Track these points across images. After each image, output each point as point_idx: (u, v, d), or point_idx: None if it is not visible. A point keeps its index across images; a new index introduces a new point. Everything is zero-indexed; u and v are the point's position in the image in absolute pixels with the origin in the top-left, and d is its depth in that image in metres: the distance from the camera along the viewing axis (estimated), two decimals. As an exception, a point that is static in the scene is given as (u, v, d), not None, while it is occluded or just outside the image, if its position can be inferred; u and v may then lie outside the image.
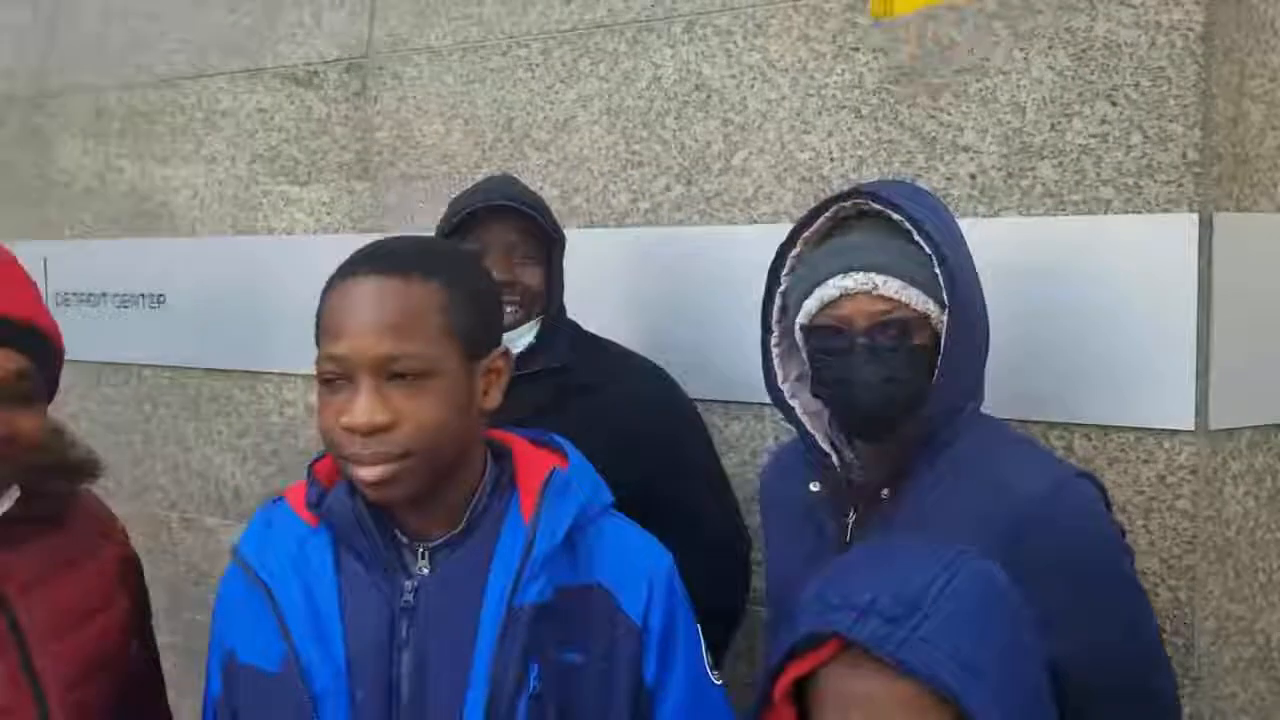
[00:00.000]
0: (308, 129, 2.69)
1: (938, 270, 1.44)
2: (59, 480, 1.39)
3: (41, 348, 1.28)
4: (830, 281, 1.46)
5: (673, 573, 1.29)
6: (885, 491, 1.49)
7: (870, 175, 1.99)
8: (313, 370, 2.73)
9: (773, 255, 1.60)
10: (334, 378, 1.15)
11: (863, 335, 1.44)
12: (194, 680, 3.05)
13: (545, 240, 1.88)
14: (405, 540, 1.22)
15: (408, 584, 1.19)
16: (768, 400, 2.09)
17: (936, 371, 1.45)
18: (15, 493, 1.32)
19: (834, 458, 1.54)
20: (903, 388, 1.44)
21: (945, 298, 1.44)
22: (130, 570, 1.51)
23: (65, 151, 3.15)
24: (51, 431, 1.38)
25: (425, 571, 1.20)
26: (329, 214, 2.67)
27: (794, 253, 1.57)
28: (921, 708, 0.87)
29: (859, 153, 2.02)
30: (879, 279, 1.44)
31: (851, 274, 1.45)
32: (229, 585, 1.30)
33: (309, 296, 2.69)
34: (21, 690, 1.27)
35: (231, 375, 2.87)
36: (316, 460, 1.28)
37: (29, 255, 3.21)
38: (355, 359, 1.12)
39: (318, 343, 1.19)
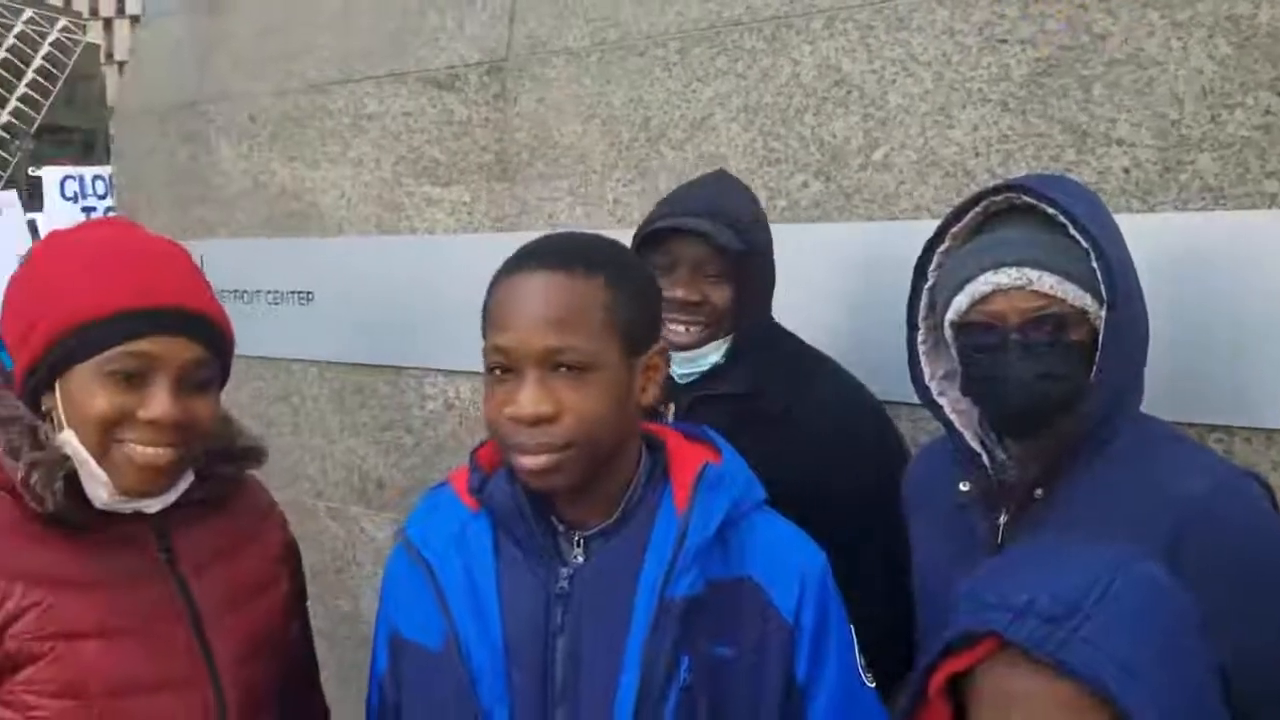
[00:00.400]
0: (449, 131, 2.76)
1: (1095, 264, 1.41)
2: (227, 465, 1.46)
3: (214, 337, 1.35)
4: (982, 277, 1.44)
5: (826, 571, 1.29)
6: (1039, 491, 1.46)
7: (1017, 170, 1.95)
8: (453, 365, 2.84)
9: (917, 252, 1.58)
10: (500, 368, 1.19)
11: (1016, 331, 1.42)
12: (336, 664, 3.17)
13: (738, 254, 1.75)
14: (561, 528, 1.25)
15: (563, 571, 1.22)
16: (908, 399, 2.08)
17: (1095, 368, 1.41)
18: (190, 477, 1.39)
19: (984, 457, 1.51)
20: (1057, 385, 1.41)
21: (1104, 292, 1.40)
22: (290, 554, 1.58)
23: (221, 155, 3.30)
24: (221, 419, 1.45)
25: (580, 560, 1.23)
26: (469, 214, 2.74)
27: (942, 248, 1.55)
28: (1080, 708, 0.86)
29: (1005, 147, 1.97)
30: (1033, 274, 1.41)
31: (1005, 269, 1.42)
32: (395, 564, 1.36)
33: (450, 294, 2.81)
34: (198, 664, 1.33)
35: (375, 370, 2.96)
36: (479, 447, 1.33)
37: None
38: (521, 351, 1.16)
39: (484, 334, 1.23)
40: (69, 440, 1.28)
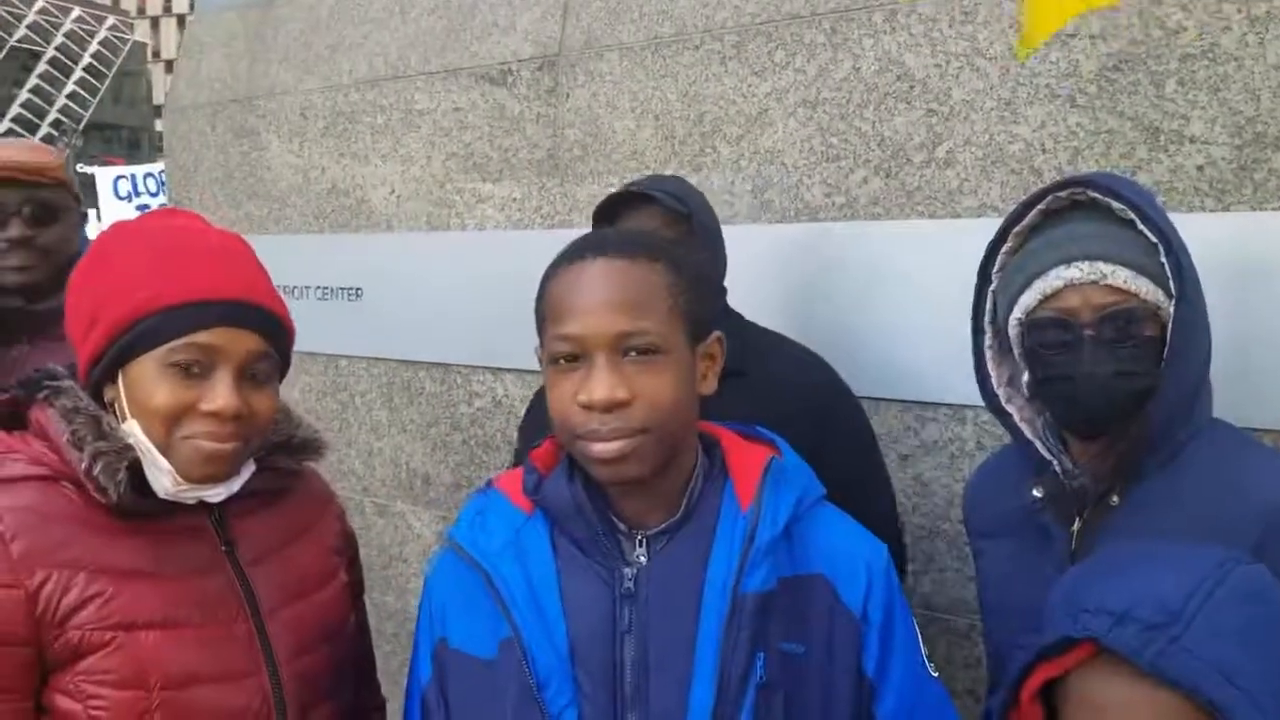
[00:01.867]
0: (500, 127, 2.74)
1: (1164, 259, 1.37)
2: (287, 457, 1.46)
3: (275, 330, 1.35)
4: (1053, 272, 1.40)
5: (889, 564, 1.27)
6: (1114, 498, 1.41)
7: (1086, 168, 1.90)
8: (501, 363, 2.82)
9: (980, 251, 1.54)
10: (567, 357, 1.16)
11: (1089, 328, 1.38)
12: (383, 661, 3.16)
13: (684, 228, 1.85)
14: (623, 528, 1.22)
15: (627, 571, 1.19)
16: (967, 402, 2.05)
17: (1163, 365, 1.36)
18: (252, 467, 1.39)
19: (1055, 464, 1.47)
20: (1133, 382, 1.37)
21: (1173, 287, 1.36)
22: (348, 545, 1.58)
23: (272, 151, 3.31)
24: (281, 411, 1.45)
25: (643, 559, 1.20)
26: (519, 210, 2.72)
27: (1005, 248, 1.51)
28: (1181, 719, 0.82)
29: (1073, 144, 1.93)
30: (1106, 268, 1.37)
31: (1076, 264, 1.38)
32: (440, 573, 1.33)
33: (499, 291, 2.80)
34: (256, 655, 1.34)
35: (422, 366, 2.95)
36: (534, 448, 1.31)
37: (239, 249, 3.40)
38: (592, 336, 1.14)
39: (541, 328, 1.21)
40: (133, 431, 1.29)
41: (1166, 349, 1.37)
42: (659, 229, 1.84)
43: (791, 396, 1.77)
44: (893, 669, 1.23)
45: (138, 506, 1.29)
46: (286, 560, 1.43)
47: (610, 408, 1.14)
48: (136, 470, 1.28)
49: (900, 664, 1.23)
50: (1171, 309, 1.37)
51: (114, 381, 1.31)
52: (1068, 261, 1.39)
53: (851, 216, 2.16)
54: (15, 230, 2.10)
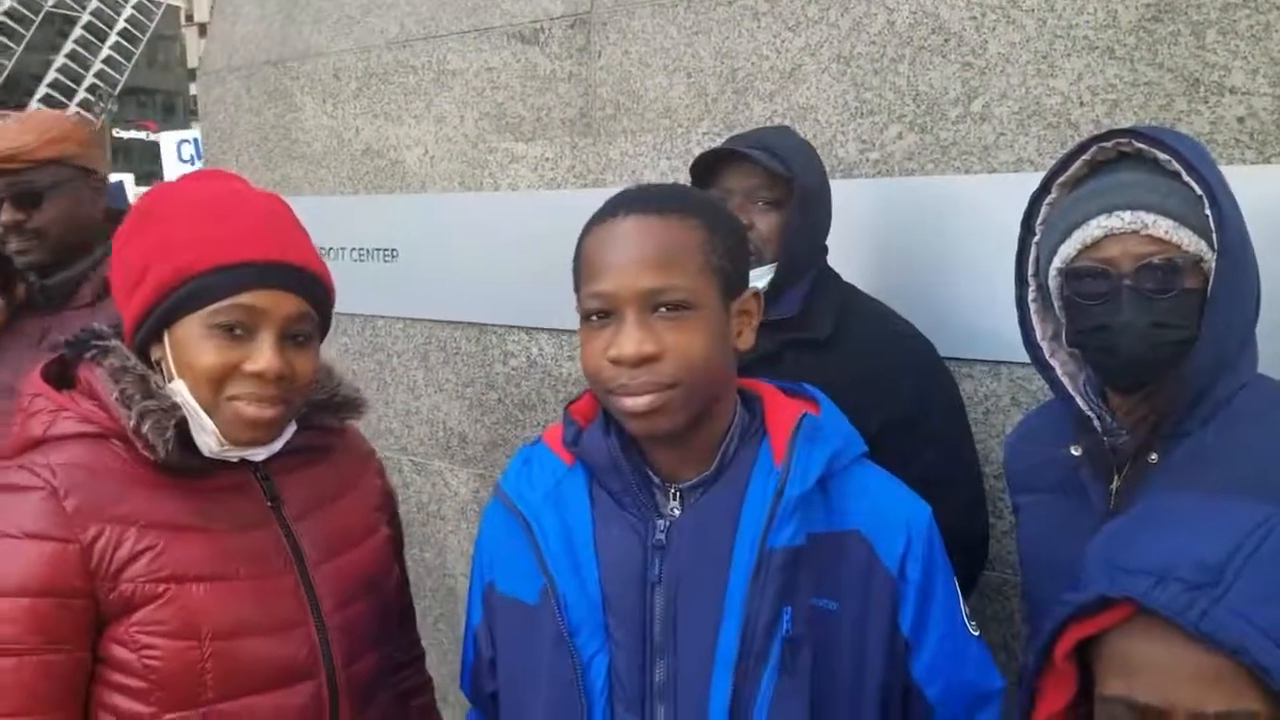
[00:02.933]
0: (532, 86, 2.74)
1: (1208, 211, 1.35)
2: (329, 416, 1.50)
3: (316, 292, 1.37)
4: (1094, 222, 1.39)
5: (933, 525, 1.27)
6: (1153, 456, 1.40)
7: (1124, 120, 1.87)
8: (536, 323, 2.84)
9: (1017, 206, 1.53)
10: (599, 314, 1.18)
11: (1129, 277, 1.36)
12: (421, 613, 3.21)
13: (787, 186, 1.83)
14: (657, 480, 1.24)
15: (660, 523, 1.21)
16: (1002, 358, 2.04)
17: (1204, 318, 1.35)
18: (294, 426, 1.42)
19: (1095, 420, 1.46)
20: (1171, 334, 1.36)
21: (1216, 239, 1.35)
22: (388, 501, 1.62)
23: (306, 113, 3.32)
24: (324, 370, 1.47)
25: (676, 512, 1.22)
26: (552, 170, 2.72)
27: (1048, 199, 1.50)
28: (1223, 683, 0.81)
29: (1111, 96, 1.90)
30: (1148, 218, 1.36)
31: (1118, 213, 1.37)
32: (490, 519, 1.37)
33: (533, 251, 2.80)
34: (303, 606, 1.38)
35: (458, 326, 2.98)
36: (573, 401, 1.34)
37: (275, 212, 3.42)
38: (621, 293, 1.16)
39: (577, 286, 1.23)
40: (179, 390, 1.32)
41: (1208, 302, 1.35)
42: (757, 189, 1.84)
43: (878, 375, 1.75)
44: (930, 628, 1.24)
45: (185, 464, 1.32)
46: (330, 515, 1.46)
47: (639, 363, 1.15)
48: (183, 428, 1.32)
49: (939, 623, 1.24)
50: (1214, 261, 1.35)
51: (160, 341, 1.34)
52: (1109, 211, 1.38)
53: (886, 173, 2.15)
54: (6, 216, 2.18)
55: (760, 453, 1.23)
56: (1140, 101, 1.87)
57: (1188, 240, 1.35)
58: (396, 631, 1.58)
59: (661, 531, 1.21)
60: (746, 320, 1.25)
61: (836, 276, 1.92)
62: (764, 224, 1.84)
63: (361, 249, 3.16)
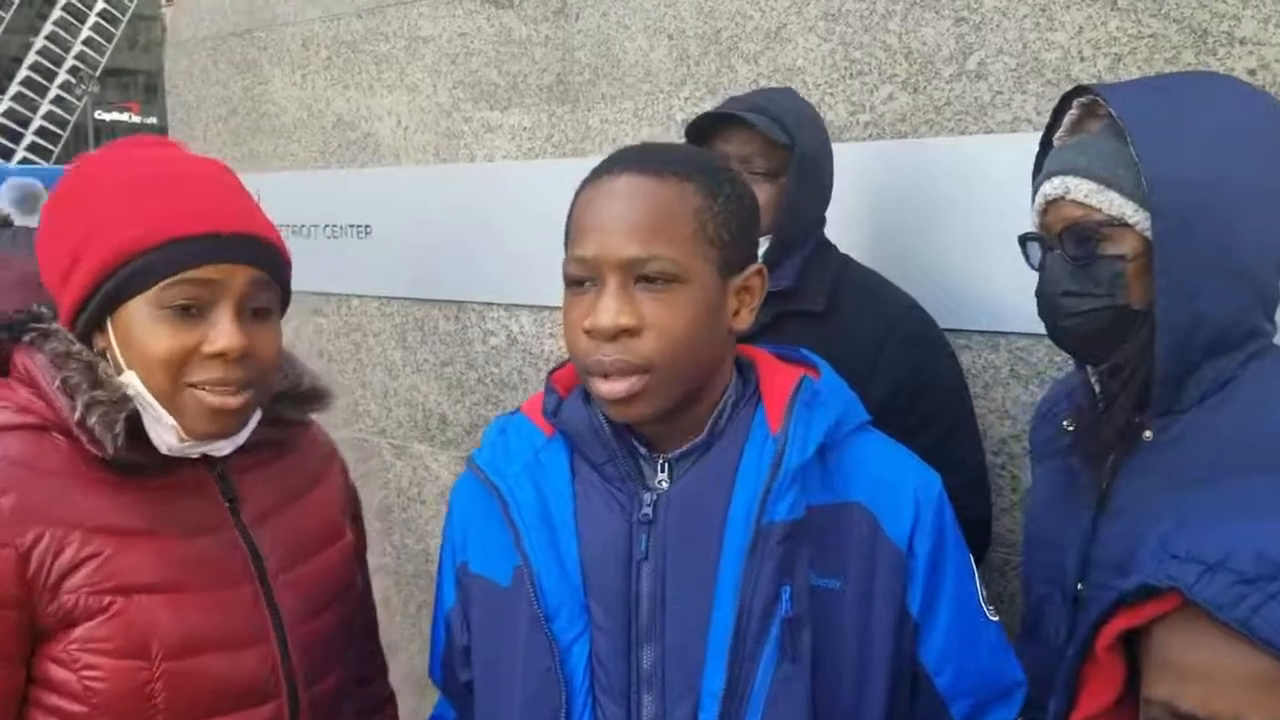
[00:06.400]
0: (507, 52, 2.62)
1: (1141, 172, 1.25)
2: (292, 408, 1.37)
3: (272, 261, 1.24)
4: (1040, 189, 1.36)
5: (943, 496, 1.18)
6: (1147, 434, 1.31)
7: (1128, 75, 1.77)
8: (516, 299, 2.73)
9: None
10: (580, 280, 1.09)
11: (1055, 244, 1.33)
12: (402, 603, 3.13)
13: (785, 154, 1.73)
14: (643, 451, 1.15)
15: (646, 496, 1.12)
16: (1000, 328, 1.95)
17: (1156, 288, 1.25)
18: (258, 416, 1.29)
19: (1098, 389, 1.37)
20: (1082, 302, 1.29)
21: (1151, 202, 1.25)
22: (353, 503, 1.49)
23: (275, 85, 3.21)
24: (284, 358, 1.35)
25: (664, 484, 1.13)
26: (530, 139, 2.61)
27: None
28: (1274, 690, 0.71)
29: (1114, 50, 1.80)
30: (1072, 182, 1.31)
31: (1051, 179, 1.33)
32: (461, 494, 1.27)
33: (511, 224, 2.69)
34: (263, 619, 1.25)
35: (436, 304, 2.88)
36: (555, 370, 1.24)
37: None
38: (603, 259, 1.06)
39: (567, 247, 1.13)
40: (132, 383, 1.19)
41: (1154, 271, 1.25)
42: (753, 157, 1.72)
43: (877, 347, 1.67)
44: (940, 608, 1.15)
45: (135, 461, 1.20)
46: (292, 518, 1.34)
47: (614, 335, 1.05)
48: (134, 422, 1.19)
49: (950, 603, 1.15)
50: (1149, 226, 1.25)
51: (103, 330, 1.21)
52: (1049, 176, 1.34)
53: (877, 135, 2.05)
54: None
55: (755, 420, 1.14)
56: (1145, 55, 1.77)
57: (1110, 204, 1.28)
58: (361, 644, 1.46)
59: (648, 505, 1.11)
60: (747, 299, 1.14)
61: (834, 247, 1.83)
62: (760, 194, 1.69)
63: (334, 225, 3.06)
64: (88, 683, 1.14)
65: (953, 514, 1.19)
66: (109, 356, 1.21)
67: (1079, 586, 1.34)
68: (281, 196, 3.19)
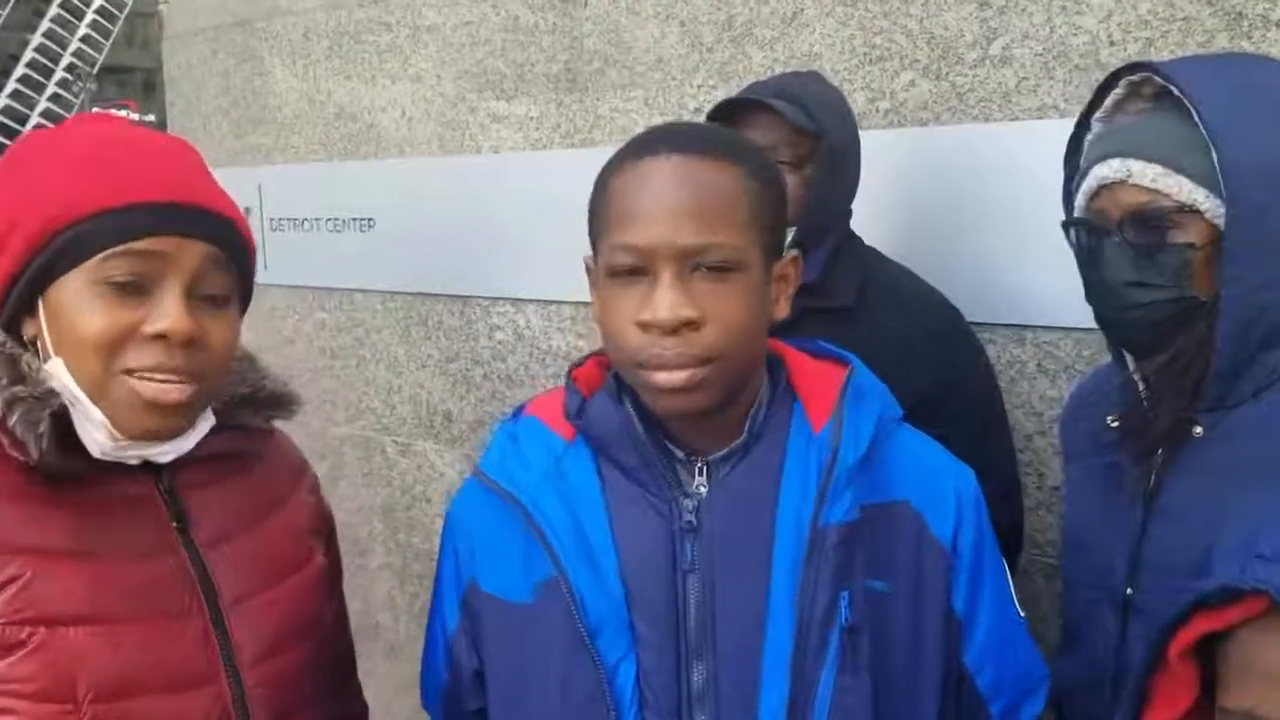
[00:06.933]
0: (514, 40, 2.56)
1: (1214, 157, 1.18)
2: (253, 414, 1.24)
3: (231, 242, 1.11)
4: (1092, 171, 1.27)
5: (979, 491, 1.14)
6: (1197, 430, 1.25)
7: (1160, 59, 1.71)
8: (522, 294, 2.67)
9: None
10: (628, 271, 1.02)
11: (1115, 232, 1.24)
12: (407, 601, 3.07)
13: (811, 143, 1.66)
14: (680, 455, 1.08)
15: (687, 502, 1.06)
16: (1026, 321, 1.89)
17: (1223, 278, 1.19)
18: (209, 422, 1.15)
19: (1141, 384, 1.32)
20: (1150, 294, 1.22)
21: (1224, 188, 1.18)
22: (324, 523, 1.35)
23: (276, 76, 3.14)
24: (244, 358, 1.24)
25: (703, 489, 1.07)
26: (537, 129, 2.55)
27: (1089, 136, 1.35)
28: None
29: (1145, 34, 1.74)
30: (1135, 164, 1.22)
31: (1108, 160, 1.24)
32: (467, 508, 1.19)
33: (518, 217, 2.63)
34: (214, 656, 1.10)
35: (440, 299, 2.81)
36: (575, 367, 1.17)
37: (244, 181, 3.26)
38: (659, 248, 1.00)
39: (596, 236, 1.07)
40: (57, 372, 1.05)
41: (1223, 259, 1.19)
42: (778, 145, 1.64)
43: (906, 345, 1.60)
44: (982, 607, 1.11)
45: (65, 468, 1.05)
46: (252, 541, 1.18)
47: (676, 329, 0.99)
48: (65, 422, 1.05)
49: (990, 602, 1.12)
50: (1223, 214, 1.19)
51: (34, 313, 1.07)
52: (1103, 158, 1.25)
53: (898, 123, 1.99)
54: None
55: (794, 420, 1.08)
56: (1177, 39, 1.72)
57: (1179, 188, 1.20)
58: (335, 684, 1.32)
59: (690, 512, 1.05)
60: (784, 287, 1.09)
61: (860, 240, 1.76)
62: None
63: (336, 219, 3.00)
64: None
65: (987, 510, 1.16)
66: (39, 345, 1.08)
67: (1128, 590, 1.28)
68: (283, 189, 3.14)
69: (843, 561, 1.02)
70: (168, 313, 1.04)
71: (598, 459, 1.10)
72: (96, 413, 1.04)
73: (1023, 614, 1.19)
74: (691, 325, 0.99)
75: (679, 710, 1.03)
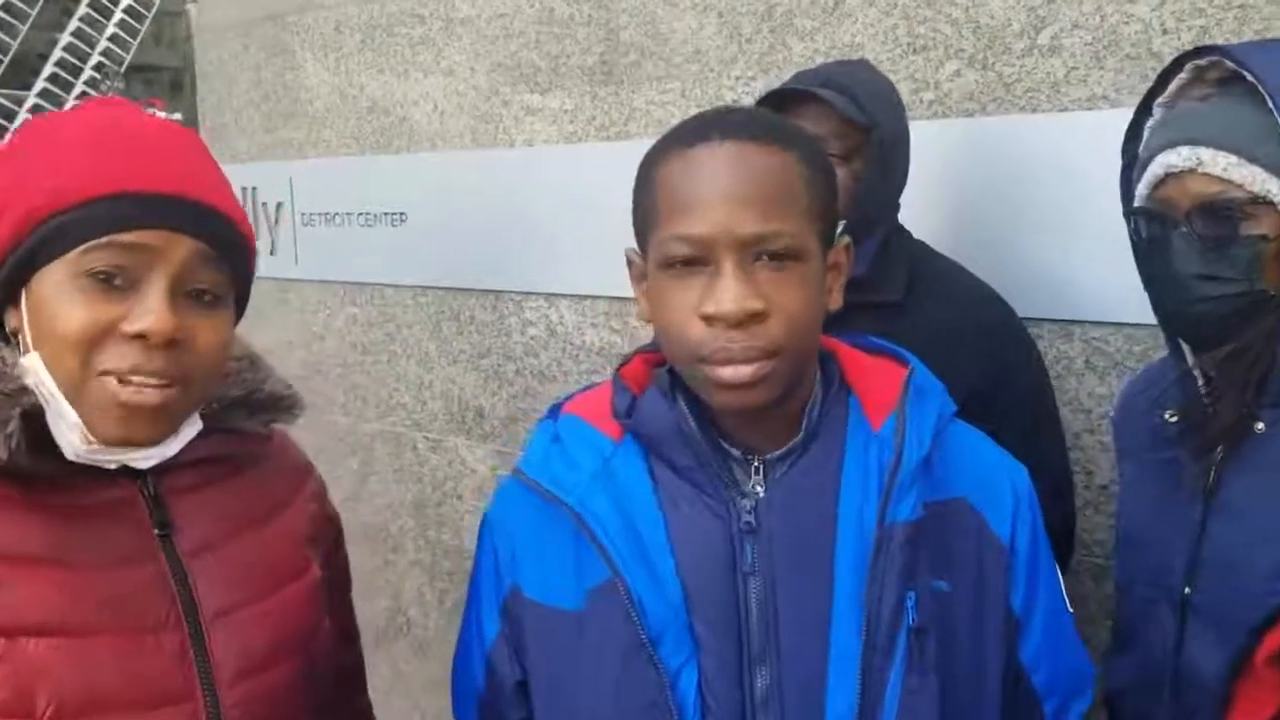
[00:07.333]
0: (549, 32, 2.54)
1: None
2: (248, 417, 1.18)
3: (226, 240, 1.06)
4: (1157, 159, 1.23)
5: (1033, 489, 1.12)
6: (1259, 425, 1.22)
7: (1216, 47, 1.67)
8: (556, 289, 2.65)
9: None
10: (684, 263, 0.99)
11: (1183, 222, 1.20)
12: (437, 599, 3.05)
13: (862, 135, 1.62)
14: (736, 454, 1.05)
15: (744, 502, 1.03)
16: (1074, 316, 1.85)
17: None
18: (196, 427, 1.09)
19: (1200, 379, 1.28)
20: (1219, 288, 1.18)
21: None
22: (325, 531, 1.28)
23: (308, 70, 3.13)
24: (245, 359, 1.19)
25: (760, 489, 1.04)
26: (571, 122, 2.53)
27: (1150, 122, 1.31)
28: None
29: (1199, 22, 1.70)
30: (1205, 153, 1.18)
31: (1176, 148, 1.20)
32: (508, 510, 1.15)
33: (550, 211, 2.61)
34: (189, 673, 1.04)
35: (472, 294, 2.79)
36: (623, 365, 1.14)
37: (276, 176, 3.25)
38: (719, 238, 0.96)
39: (646, 228, 1.04)
40: (34, 367, 1.00)
41: None
42: (827, 137, 1.59)
43: (957, 341, 1.55)
44: (1038, 605, 1.09)
45: (36, 470, 1.00)
46: (242, 550, 1.13)
47: (741, 322, 0.96)
48: (38, 421, 1.00)
49: (1045, 599, 1.10)
50: None
51: (17, 305, 1.02)
52: (1171, 145, 1.21)
53: (943, 114, 1.95)
54: None
55: (851, 417, 1.06)
56: (1233, 27, 1.67)
57: (1252, 179, 1.16)
58: (337, 705, 1.27)
59: (748, 512, 1.02)
60: (836, 275, 1.06)
61: (908, 234, 1.73)
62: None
63: (368, 213, 2.98)
64: None
65: (1039, 505, 1.14)
66: (20, 338, 1.03)
67: (1186, 590, 1.24)
68: (315, 185, 3.13)
69: (909, 561, 0.99)
70: (150, 310, 0.98)
71: (649, 459, 1.07)
72: (71, 413, 0.99)
73: (1071, 610, 1.17)
74: (757, 317, 0.96)
75: (742, 717, 1.00)
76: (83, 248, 0.98)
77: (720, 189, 0.97)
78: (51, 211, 0.99)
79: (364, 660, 1.40)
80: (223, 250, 1.05)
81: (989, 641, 1.05)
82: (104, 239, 0.98)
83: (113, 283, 0.99)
